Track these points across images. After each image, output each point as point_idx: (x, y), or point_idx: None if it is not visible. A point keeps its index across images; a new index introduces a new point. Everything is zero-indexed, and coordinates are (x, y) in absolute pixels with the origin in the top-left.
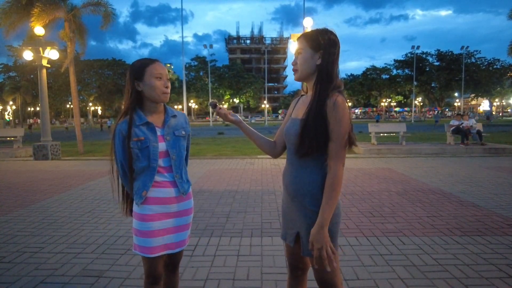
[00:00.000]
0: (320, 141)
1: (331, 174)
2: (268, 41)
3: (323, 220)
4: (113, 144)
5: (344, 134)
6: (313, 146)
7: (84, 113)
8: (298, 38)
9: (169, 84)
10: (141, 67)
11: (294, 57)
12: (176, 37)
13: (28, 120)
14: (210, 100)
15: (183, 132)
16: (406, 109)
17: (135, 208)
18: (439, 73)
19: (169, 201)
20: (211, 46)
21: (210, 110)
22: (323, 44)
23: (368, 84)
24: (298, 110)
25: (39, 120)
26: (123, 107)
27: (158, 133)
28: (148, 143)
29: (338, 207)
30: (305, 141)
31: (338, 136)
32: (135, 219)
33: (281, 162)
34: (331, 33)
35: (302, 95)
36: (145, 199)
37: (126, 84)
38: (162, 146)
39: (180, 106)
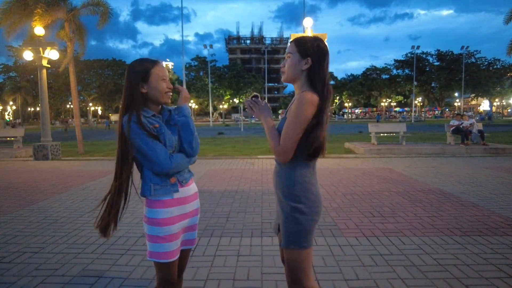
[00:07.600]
0: None
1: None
2: (268, 41)
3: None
4: (130, 140)
5: (295, 128)
6: None
7: (84, 113)
8: (290, 42)
9: (171, 85)
10: (146, 69)
11: (285, 59)
12: (177, 36)
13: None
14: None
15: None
16: (406, 109)
17: (148, 213)
18: (439, 73)
19: (189, 199)
20: (211, 46)
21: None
22: (311, 52)
23: (368, 84)
24: None
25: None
26: (121, 107)
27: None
28: (163, 129)
29: (318, 205)
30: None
31: (288, 127)
32: (150, 225)
33: None
34: (321, 41)
35: None
36: (164, 202)
37: (125, 84)
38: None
39: None
